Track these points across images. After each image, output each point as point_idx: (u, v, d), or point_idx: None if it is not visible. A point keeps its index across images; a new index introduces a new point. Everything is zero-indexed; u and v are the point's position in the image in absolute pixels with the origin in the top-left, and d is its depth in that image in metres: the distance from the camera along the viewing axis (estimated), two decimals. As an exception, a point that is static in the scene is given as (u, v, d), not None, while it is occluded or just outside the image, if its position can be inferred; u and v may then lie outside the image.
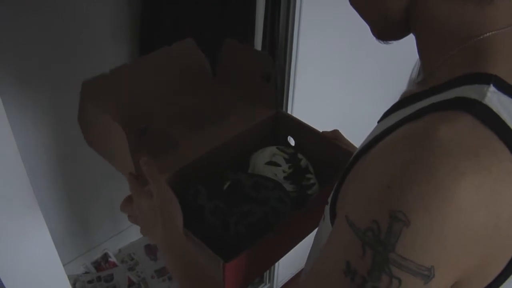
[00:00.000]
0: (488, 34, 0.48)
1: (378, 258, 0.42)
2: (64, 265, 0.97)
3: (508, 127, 0.43)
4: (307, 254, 0.70)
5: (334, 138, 0.94)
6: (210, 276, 0.68)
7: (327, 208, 0.58)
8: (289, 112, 1.46)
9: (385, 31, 0.59)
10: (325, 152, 0.95)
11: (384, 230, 0.41)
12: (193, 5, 1.42)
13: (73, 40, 1.48)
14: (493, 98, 0.44)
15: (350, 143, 0.93)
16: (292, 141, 1.07)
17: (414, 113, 0.47)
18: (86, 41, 1.51)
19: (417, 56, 0.57)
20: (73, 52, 1.49)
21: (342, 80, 1.61)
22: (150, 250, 2.18)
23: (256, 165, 0.95)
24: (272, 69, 0.97)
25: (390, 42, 0.60)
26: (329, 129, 0.99)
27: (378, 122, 0.56)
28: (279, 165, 0.93)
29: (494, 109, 0.43)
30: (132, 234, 2.19)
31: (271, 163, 0.94)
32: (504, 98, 0.45)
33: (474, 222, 0.41)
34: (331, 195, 0.57)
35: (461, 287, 0.45)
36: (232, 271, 0.73)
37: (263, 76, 0.99)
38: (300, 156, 0.98)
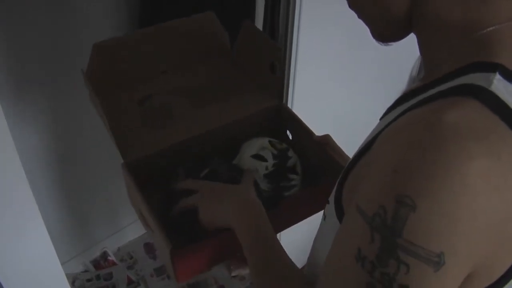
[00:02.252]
0: (491, 28, 0.48)
1: (386, 243, 0.42)
2: (62, 264, 0.97)
3: None
4: (306, 256, 0.69)
5: (324, 143, 0.92)
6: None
7: (330, 207, 0.57)
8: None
9: (387, 32, 0.58)
10: (316, 154, 0.94)
11: (391, 215, 0.41)
12: (193, 5, 1.42)
13: (73, 40, 1.48)
14: (499, 85, 0.44)
15: (340, 149, 0.91)
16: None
17: (421, 101, 0.47)
18: (86, 41, 1.50)
19: (416, 54, 0.57)
20: (73, 52, 1.48)
21: (342, 79, 1.61)
22: (149, 248, 2.18)
23: (243, 156, 0.94)
24: (278, 60, 0.97)
25: (390, 44, 0.59)
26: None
27: (380, 119, 0.56)
28: (264, 160, 0.91)
29: (501, 96, 0.43)
30: (131, 233, 2.19)
31: (257, 156, 0.92)
32: (510, 86, 0.44)
33: (486, 207, 0.40)
34: (333, 194, 0.56)
35: (472, 281, 0.44)
36: (179, 259, 0.73)
37: (270, 66, 0.99)
38: (290, 153, 0.94)
